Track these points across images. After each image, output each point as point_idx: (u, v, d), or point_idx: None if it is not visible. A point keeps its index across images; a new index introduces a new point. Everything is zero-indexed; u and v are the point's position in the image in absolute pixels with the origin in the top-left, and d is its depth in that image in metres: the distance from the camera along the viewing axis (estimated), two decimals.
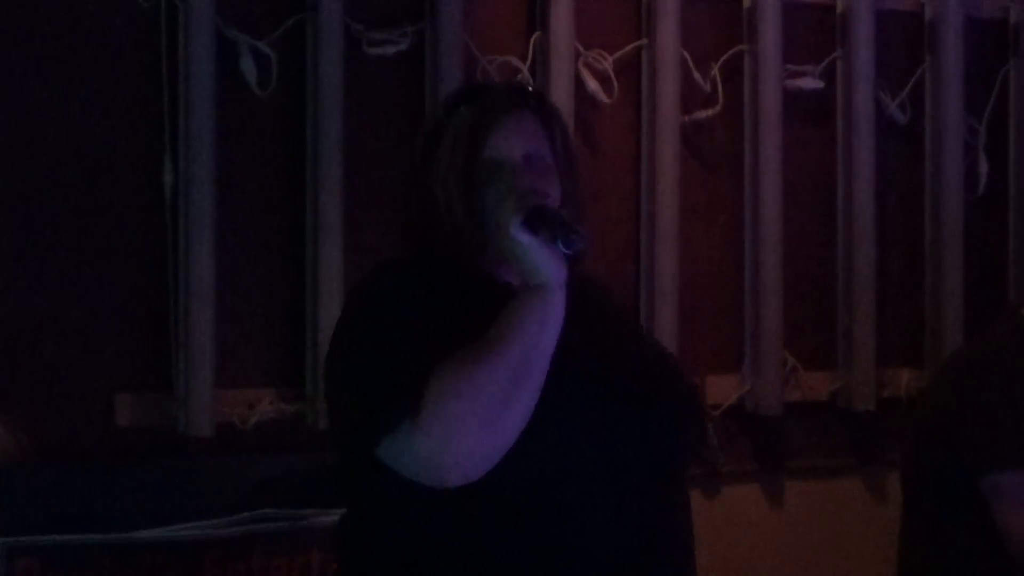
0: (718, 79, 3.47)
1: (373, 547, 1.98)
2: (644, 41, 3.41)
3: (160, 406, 2.99)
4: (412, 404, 1.83)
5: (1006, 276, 3.82)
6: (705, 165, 3.52)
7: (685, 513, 2.05)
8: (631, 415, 1.96)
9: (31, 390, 2.93)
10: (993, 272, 3.82)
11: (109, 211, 2.98)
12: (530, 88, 2.21)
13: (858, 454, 3.68)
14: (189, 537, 2.90)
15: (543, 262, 1.90)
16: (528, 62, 3.28)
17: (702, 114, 3.47)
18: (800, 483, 3.64)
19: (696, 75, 3.45)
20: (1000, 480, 2.73)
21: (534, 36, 3.30)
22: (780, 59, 3.50)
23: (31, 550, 2.78)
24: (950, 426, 2.82)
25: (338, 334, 2.02)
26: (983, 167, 3.77)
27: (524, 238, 1.90)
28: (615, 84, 3.36)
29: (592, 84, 3.34)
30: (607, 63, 3.35)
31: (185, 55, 2.98)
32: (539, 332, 1.88)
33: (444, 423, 1.82)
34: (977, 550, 2.79)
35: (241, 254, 3.07)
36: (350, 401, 1.94)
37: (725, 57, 3.49)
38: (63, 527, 2.80)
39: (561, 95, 3.26)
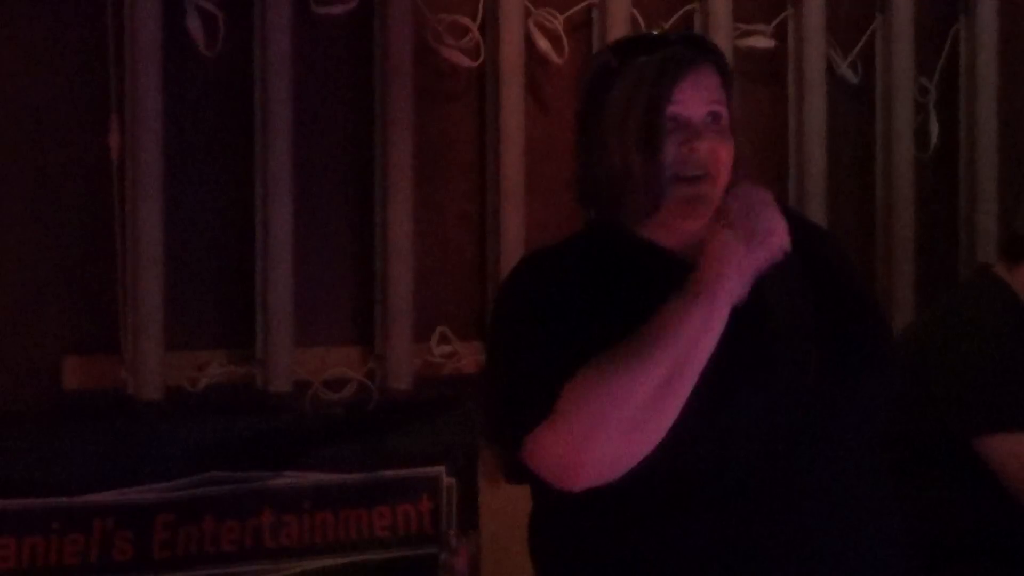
0: None
1: (556, 538, 1.95)
2: (595, 0, 3.39)
3: (108, 369, 2.96)
4: (546, 408, 1.79)
5: (956, 233, 3.83)
6: None
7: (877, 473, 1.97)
8: (833, 374, 1.88)
9: None
10: (944, 229, 3.83)
11: (55, 172, 2.95)
12: (709, 42, 2.12)
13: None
14: (139, 500, 2.89)
15: (734, 271, 1.80)
16: (478, 21, 3.26)
17: None
18: None
19: None
20: (1002, 443, 2.74)
21: None
22: (730, 18, 3.49)
23: None
24: (935, 389, 2.81)
25: (490, 334, 2.01)
26: (934, 125, 3.78)
27: (729, 234, 1.82)
28: (566, 44, 3.34)
29: (543, 44, 3.32)
30: (558, 22, 3.34)
31: (131, 14, 2.94)
32: (701, 338, 1.78)
33: (583, 424, 1.76)
34: (959, 510, 2.80)
35: (190, 215, 3.05)
36: (496, 404, 1.91)
37: (676, 16, 3.48)
38: (10, 491, 2.79)
39: (511, 55, 3.25)
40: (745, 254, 1.81)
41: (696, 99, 1.94)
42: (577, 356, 1.79)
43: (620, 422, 1.75)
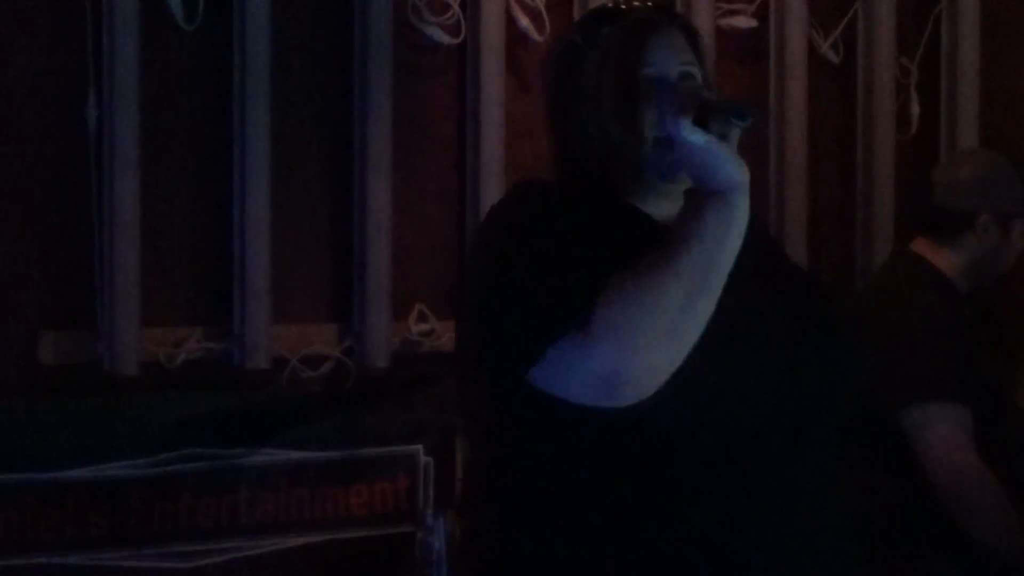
0: None
1: (515, 490, 1.86)
2: None
3: (84, 344, 2.95)
4: (580, 313, 1.70)
5: None
6: None
7: (837, 470, 1.94)
8: (802, 347, 1.86)
9: None
10: None
11: (31, 145, 2.93)
12: (671, 8, 2.11)
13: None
14: (115, 476, 2.88)
15: (725, 161, 1.76)
16: None
17: None
18: None
19: None
20: (920, 414, 2.75)
21: None
22: None
23: None
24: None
25: (483, 254, 1.89)
26: (915, 107, 3.78)
27: (699, 138, 1.75)
28: (547, 22, 3.32)
29: (523, 21, 3.31)
30: (539, 1, 3.32)
31: None
32: (724, 236, 1.73)
33: (619, 332, 1.68)
34: (898, 491, 2.81)
35: (166, 189, 3.04)
36: (505, 319, 1.78)
37: None
38: None
39: (492, 32, 3.24)
40: (728, 149, 1.78)
41: (667, 60, 1.92)
42: (597, 268, 1.73)
43: (657, 327, 1.68)
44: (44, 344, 2.94)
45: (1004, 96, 3.87)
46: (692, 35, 2.00)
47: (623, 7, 2.03)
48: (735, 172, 1.76)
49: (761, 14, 3.60)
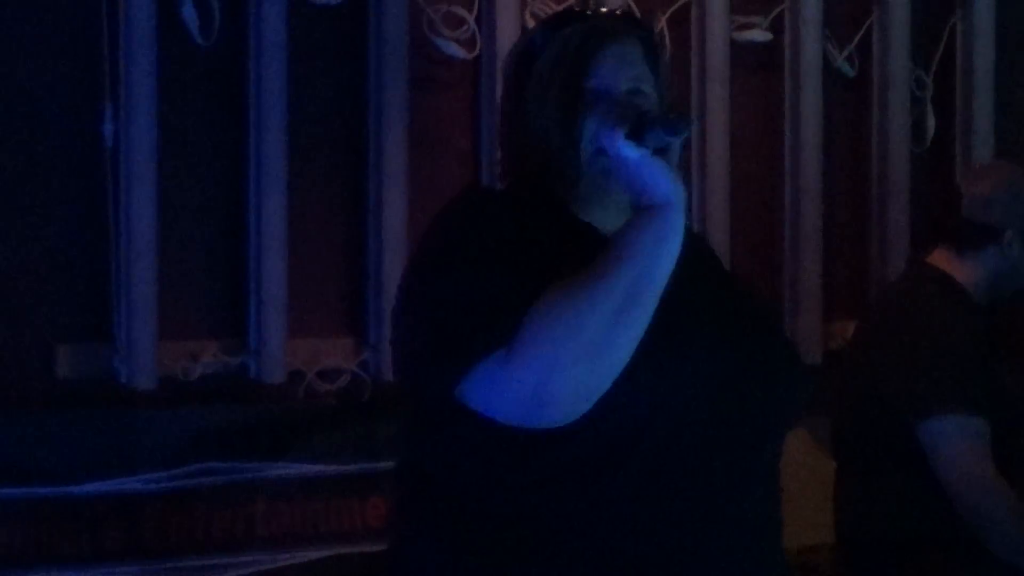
0: (665, 30, 3.45)
1: (443, 503, 1.80)
2: None
3: (101, 358, 2.96)
4: (505, 332, 1.65)
5: None
6: None
7: (777, 480, 1.90)
8: (742, 368, 1.80)
9: None
10: None
11: (49, 160, 2.95)
12: (637, 17, 2.05)
13: (804, 406, 3.68)
14: (132, 490, 2.88)
15: (659, 177, 1.72)
16: (474, 12, 3.26)
17: None
18: None
19: None
20: (939, 426, 2.74)
21: None
22: (727, 10, 3.49)
23: None
24: (884, 377, 2.83)
25: (419, 262, 1.83)
26: (930, 119, 3.78)
27: (633, 153, 1.72)
28: None
29: None
30: None
31: (125, 2, 2.93)
32: (655, 253, 1.69)
33: (543, 352, 1.63)
34: (915, 502, 2.80)
35: (183, 204, 3.04)
36: (431, 334, 1.72)
37: (673, 8, 3.47)
38: (1, 479, 2.77)
39: (507, 47, 3.23)
40: (663, 164, 1.74)
41: (617, 73, 1.86)
42: (528, 286, 1.68)
43: (585, 345, 1.63)
44: (61, 358, 2.95)
45: (1019, 108, 3.87)
46: (652, 48, 1.94)
47: (587, 12, 1.99)
48: (669, 187, 1.72)
49: (776, 27, 3.60)
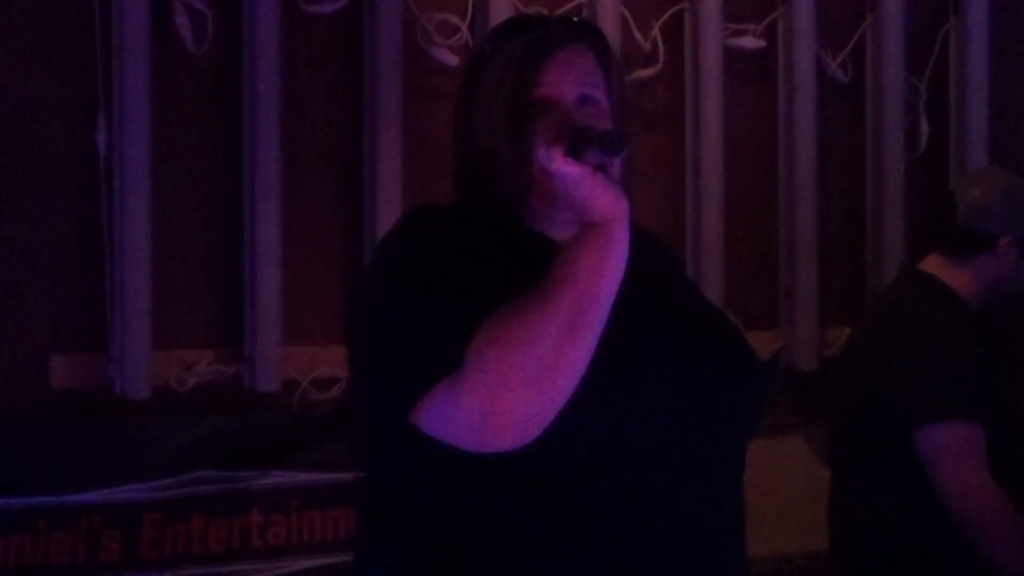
0: (659, 38, 3.46)
1: (403, 520, 1.78)
2: (584, 0, 3.39)
3: (95, 368, 2.96)
4: (452, 359, 1.63)
5: None
6: (646, 124, 3.51)
7: (740, 490, 1.87)
8: (700, 381, 1.78)
9: None
10: None
11: (42, 170, 2.95)
12: (587, 22, 1.99)
13: (800, 413, 3.69)
14: (126, 499, 2.88)
15: (600, 193, 1.69)
16: (468, 19, 3.26)
17: (643, 73, 3.45)
18: None
19: (637, 34, 3.43)
20: (935, 434, 2.74)
21: None
22: (720, 18, 3.49)
23: None
24: (878, 384, 2.83)
25: (369, 285, 1.81)
26: (924, 126, 3.78)
27: (572, 170, 1.69)
28: None
29: None
30: None
31: (118, 12, 2.93)
32: (598, 272, 1.66)
33: (489, 378, 1.61)
34: (910, 510, 2.80)
35: (177, 214, 3.04)
36: (382, 360, 1.72)
37: (666, 16, 3.48)
38: None
39: None
40: (603, 180, 1.71)
41: (565, 81, 1.84)
42: (477, 309, 1.66)
43: (531, 370, 1.61)
44: (55, 368, 2.95)
45: (1013, 114, 3.87)
46: (604, 55, 1.92)
47: (537, 19, 1.96)
48: (611, 203, 1.70)
49: (769, 34, 3.60)
